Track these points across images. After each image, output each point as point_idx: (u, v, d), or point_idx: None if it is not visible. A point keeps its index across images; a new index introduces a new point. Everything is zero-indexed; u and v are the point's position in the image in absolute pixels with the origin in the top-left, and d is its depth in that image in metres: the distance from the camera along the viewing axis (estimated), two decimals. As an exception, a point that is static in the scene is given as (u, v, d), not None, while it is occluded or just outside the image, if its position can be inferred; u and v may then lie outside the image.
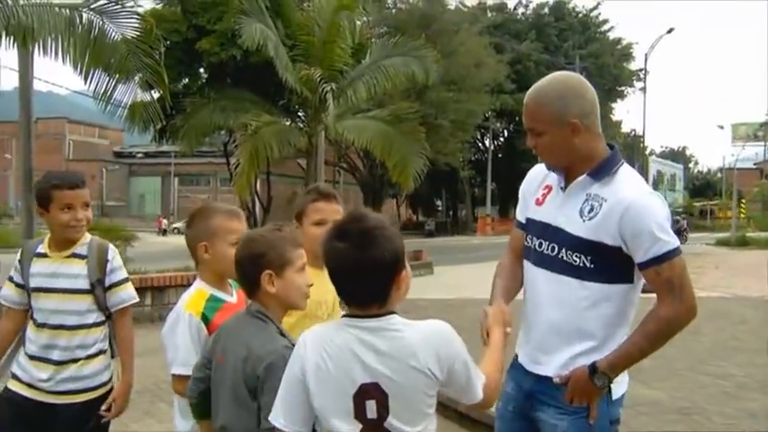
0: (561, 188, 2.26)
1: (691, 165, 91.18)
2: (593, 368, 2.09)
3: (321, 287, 2.62)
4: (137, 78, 9.94)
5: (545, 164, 2.29)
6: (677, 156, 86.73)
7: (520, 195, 2.46)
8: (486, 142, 51.92)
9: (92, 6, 9.19)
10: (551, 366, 2.21)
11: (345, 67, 16.81)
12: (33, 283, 2.80)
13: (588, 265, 2.14)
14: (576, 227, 2.16)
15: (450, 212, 55.89)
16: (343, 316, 1.80)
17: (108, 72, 9.24)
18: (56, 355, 2.77)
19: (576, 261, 2.16)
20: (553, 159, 2.25)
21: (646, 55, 45.49)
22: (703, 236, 37.76)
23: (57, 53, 8.87)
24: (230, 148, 18.52)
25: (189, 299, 2.37)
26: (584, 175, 2.19)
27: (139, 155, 56.91)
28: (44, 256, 2.83)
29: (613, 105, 58.74)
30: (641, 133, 54.65)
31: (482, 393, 1.85)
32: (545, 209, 2.29)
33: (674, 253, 2.08)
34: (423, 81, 17.57)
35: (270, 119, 16.72)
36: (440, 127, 33.59)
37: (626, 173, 2.21)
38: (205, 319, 2.31)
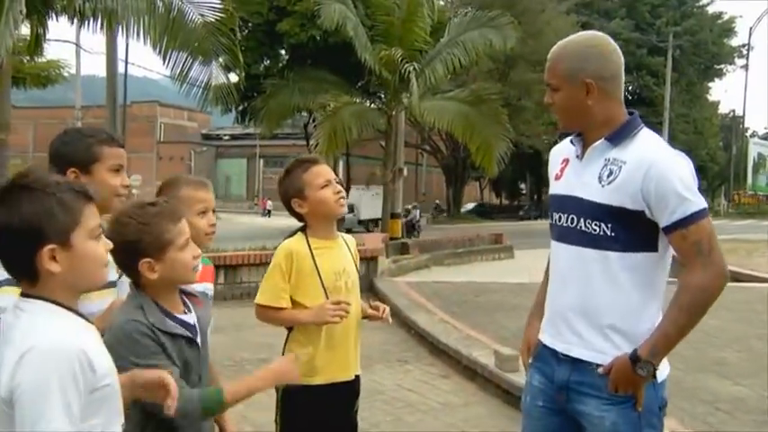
0: (578, 157, 2.16)
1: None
2: (634, 357, 1.97)
3: (337, 257, 2.63)
4: (219, 60, 10.11)
5: (561, 125, 2.22)
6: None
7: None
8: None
9: (171, -12, 9.39)
10: (587, 348, 2.07)
11: (425, 46, 16.61)
12: None
13: (609, 233, 2.02)
14: (594, 193, 2.06)
15: (535, 196, 54.76)
16: None
17: (185, 52, 9.43)
18: None
19: (595, 230, 2.05)
20: (566, 118, 2.17)
21: (750, 29, 43.17)
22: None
23: (138, 34, 9.12)
24: (310, 129, 18.65)
25: None
26: (602, 140, 2.09)
27: (226, 137, 58.40)
28: None
29: (710, 85, 55.95)
30: (741, 114, 51.73)
31: None
32: (563, 181, 2.20)
33: (702, 214, 1.97)
34: (501, 49, 17.14)
35: (348, 99, 16.76)
36: (523, 108, 32.86)
37: (646, 136, 2.10)
38: None
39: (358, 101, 18.37)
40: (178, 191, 2.36)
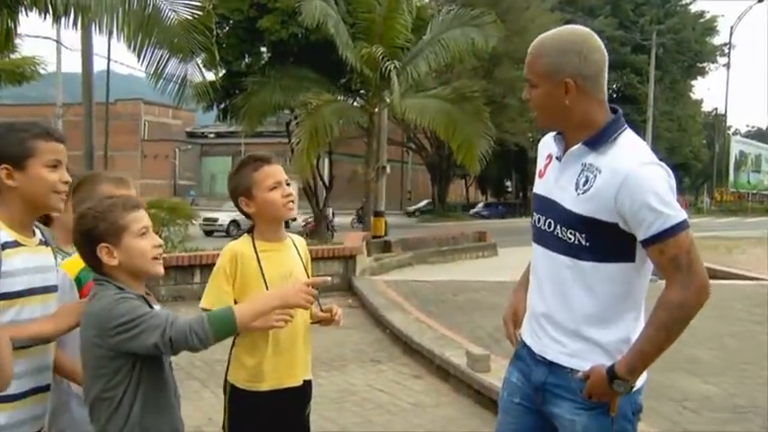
0: (557, 158, 2.10)
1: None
2: (611, 374, 1.94)
3: (283, 260, 2.58)
4: (198, 59, 10.01)
5: (537, 121, 2.13)
6: (765, 136, 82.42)
7: None
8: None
9: (146, -16, 9.25)
10: (562, 353, 2.05)
11: (407, 43, 16.56)
12: (18, 284, 1.99)
13: (583, 242, 1.98)
14: (570, 201, 2.01)
15: (521, 194, 54.90)
16: None
17: (161, 49, 9.31)
18: (49, 378, 2.11)
19: (570, 238, 2.00)
20: (543, 117, 2.09)
21: (731, 28, 43.43)
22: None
23: (112, 31, 8.99)
24: (292, 127, 18.55)
25: (68, 260, 2.32)
26: (580, 144, 2.02)
27: (211, 135, 58.03)
28: (17, 244, 2.01)
29: (693, 83, 56.34)
30: (723, 112, 52.17)
31: None
32: (545, 181, 2.15)
33: (680, 227, 1.88)
34: (483, 48, 17.13)
35: (329, 97, 16.64)
36: (507, 106, 32.87)
37: (626, 141, 2.01)
38: (78, 281, 2.27)
39: (340, 99, 18.27)
40: (97, 188, 2.31)
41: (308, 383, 2.66)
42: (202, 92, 10.40)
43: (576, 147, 2.02)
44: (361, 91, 18.64)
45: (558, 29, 2.09)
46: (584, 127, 2.01)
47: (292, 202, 2.58)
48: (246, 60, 18.67)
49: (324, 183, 22.82)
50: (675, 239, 1.88)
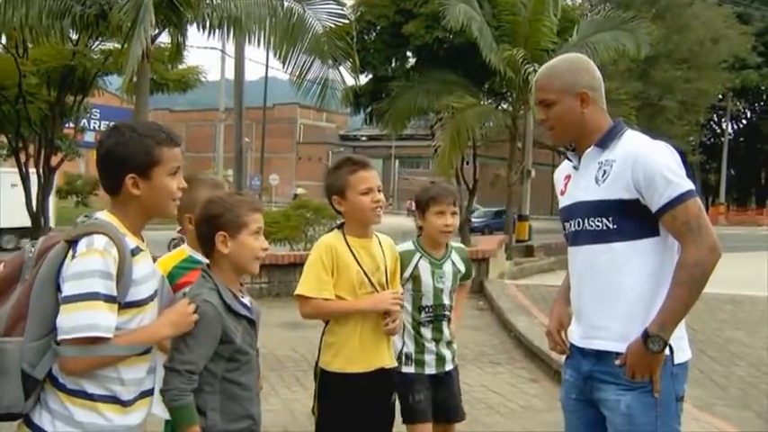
0: (575, 168, 2.37)
1: None
2: (644, 335, 2.09)
3: (374, 255, 2.75)
4: (336, 64, 10.48)
5: (555, 139, 2.40)
6: None
7: None
8: (723, 125, 47.16)
9: (292, -5, 9.86)
10: (608, 339, 2.20)
11: (552, 46, 16.21)
12: (145, 291, 1.98)
13: (611, 226, 2.19)
14: (593, 193, 2.24)
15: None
16: None
17: (304, 56, 9.85)
18: (153, 381, 2.08)
19: (598, 226, 2.21)
20: (562, 130, 2.35)
21: None
22: None
23: (259, 40, 9.65)
24: (435, 129, 18.75)
25: (166, 256, 2.51)
26: (592, 147, 2.30)
27: (363, 138, 59.73)
28: (139, 250, 1.99)
29: None
30: None
31: None
32: (567, 194, 2.40)
33: (689, 195, 2.11)
34: (634, 55, 16.43)
35: (472, 100, 16.62)
36: (665, 108, 31.17)
37: (630, 135, 2.29)
38: (171, 277, 2.39)
39: (484, 102, 18.21)
40: (196, 193, 2.39)
41: (391, 370, 2.79)
42: (344, 96, 10.86)
43: (589, 150, 2.30)
44: (506, 94, 18.48)
45: (557, 58, 2.42)
46: (594, 132, 2.30)
47: (380, 208, 2.71)
48: (392, 65, 19.09)
49: (467, 185, 22.80)
50: (685, 205, 2.10)
